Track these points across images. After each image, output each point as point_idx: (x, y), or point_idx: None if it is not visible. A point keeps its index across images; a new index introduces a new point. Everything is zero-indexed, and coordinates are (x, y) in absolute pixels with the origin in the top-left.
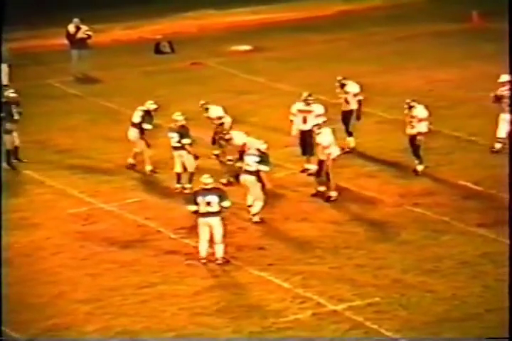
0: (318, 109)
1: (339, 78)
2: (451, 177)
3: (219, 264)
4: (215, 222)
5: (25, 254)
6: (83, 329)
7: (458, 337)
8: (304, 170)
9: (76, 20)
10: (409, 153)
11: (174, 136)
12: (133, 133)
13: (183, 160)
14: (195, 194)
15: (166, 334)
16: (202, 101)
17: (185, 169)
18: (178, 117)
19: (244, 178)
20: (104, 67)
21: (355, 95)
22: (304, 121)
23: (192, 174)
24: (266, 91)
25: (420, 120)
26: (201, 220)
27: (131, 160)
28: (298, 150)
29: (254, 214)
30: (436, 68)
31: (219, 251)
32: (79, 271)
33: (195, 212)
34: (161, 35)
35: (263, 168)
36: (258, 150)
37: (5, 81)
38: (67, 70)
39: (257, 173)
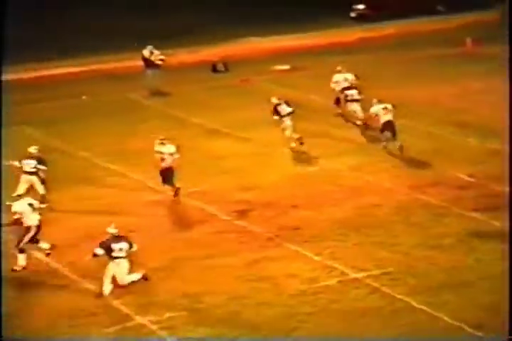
0: None
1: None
2: (450, 171)
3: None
4: (124, 263)
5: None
6: (155, 291)
7: (456, 300)
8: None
9: (150, 46)
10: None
11: (31, 163)
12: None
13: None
14: (108, 241)
15: (222, 296)
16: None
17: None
18: (33, 150)
19: None
20: (173, 84)
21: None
22: None
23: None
24: (301, 102)
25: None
26: (113, 261)
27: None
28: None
29: None
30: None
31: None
32: (152, 245)
33: (96, 256)
34: (218, 57)
35: None
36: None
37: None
38: (144, 86)
39: None
